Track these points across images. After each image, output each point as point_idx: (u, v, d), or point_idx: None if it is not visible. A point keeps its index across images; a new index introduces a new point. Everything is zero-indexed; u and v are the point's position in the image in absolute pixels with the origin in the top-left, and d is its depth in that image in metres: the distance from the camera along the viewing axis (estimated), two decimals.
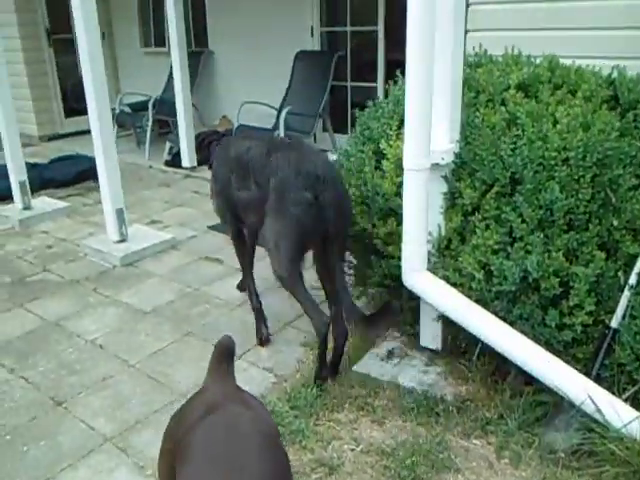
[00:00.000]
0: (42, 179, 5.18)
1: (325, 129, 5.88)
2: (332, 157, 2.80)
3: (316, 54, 5.93)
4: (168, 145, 6.57)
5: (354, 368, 2.50)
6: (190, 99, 5.72)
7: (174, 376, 2.57)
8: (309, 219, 2.27)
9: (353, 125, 2.89)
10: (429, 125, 2.07)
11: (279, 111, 5.86)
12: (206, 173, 5.85)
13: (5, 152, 4.48)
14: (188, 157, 5.78)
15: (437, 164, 2.15)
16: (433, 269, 2.27)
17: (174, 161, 6.11)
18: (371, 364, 2.51)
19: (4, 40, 4.67)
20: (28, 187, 4.56)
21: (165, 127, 6.96)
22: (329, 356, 2.44)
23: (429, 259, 2.27)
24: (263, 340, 2.75)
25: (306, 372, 2.52)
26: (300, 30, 6.00)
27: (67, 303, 3.23)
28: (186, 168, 5.86)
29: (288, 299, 2.51)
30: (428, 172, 2.10)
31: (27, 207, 4.56)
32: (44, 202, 4.76)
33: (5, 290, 3.41)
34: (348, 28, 5.82)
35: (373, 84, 5.69)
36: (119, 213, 3.77)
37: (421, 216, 2.14)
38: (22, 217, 4.45)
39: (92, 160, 5.34)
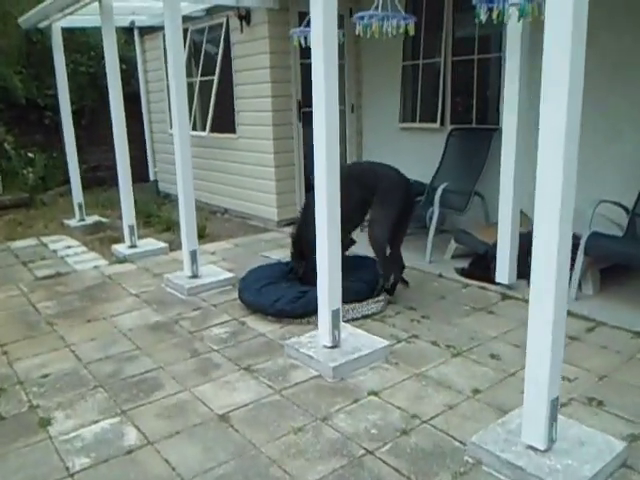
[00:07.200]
0: None
1: None
2: None
3: None
4: (454, 245, 5.13)
5: None
6: (518, 191, 4.19)
7: None
8: None
9: None
10: None
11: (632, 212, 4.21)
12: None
13: None
14: (508, 269, 4.24)
15: None
16: None
17: (474, 271, 4.61)
18: None
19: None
20: None
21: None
22: None
23: None
24: None
25: None
26: None
27: None
28: (500, 284, 4.32)
29: None
30: None
31: None
32: None
33: None
34: None
35: None
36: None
37: None
38: None
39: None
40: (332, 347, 3.22)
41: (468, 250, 5.01)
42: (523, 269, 4.36)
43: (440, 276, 4.69)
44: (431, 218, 5.06)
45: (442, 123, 6.04)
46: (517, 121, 3.98)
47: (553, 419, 2.22)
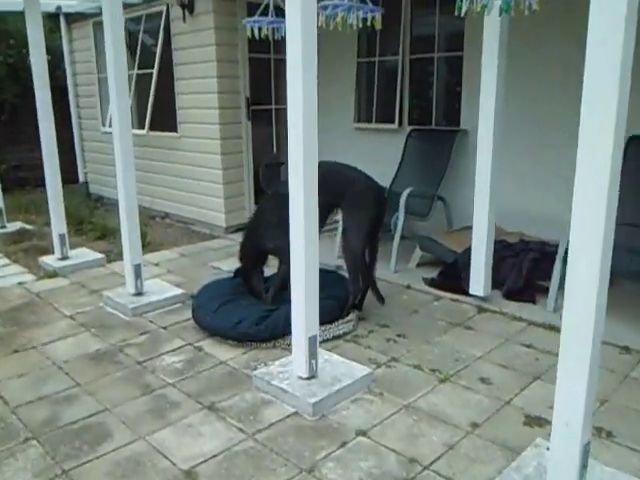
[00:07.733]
0: None
1: None
2: None
3: None
4: (419, 254, 4.86)
5: None
6: (494, 198, 3.94)
7: None
8: None
9: None
10: None
11: None
12: (510, 307, 4.08)
13: None
14: (483, 280, 3.99)
15: None
16: None
17: (444, 282, 4.35)
18: None
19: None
20: None
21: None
22: None
23: None
24: None
25: None
26: None
27: None
28: (474, 296, 4.07)
29: None
30: None
31: None
32: None
33: None
34: None
35: None
36: None
37: None
38: None
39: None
40: (309, 378, 2.83)
41: (434, 258, 4.76)
42: (496, 279, 4.15)
43: (408, 287, 4.40)
44: (395, 224, 4.77)
45: (400, 124, 5.77)
46: (494, 124, 3.73)
47: (584, 466, 1.94)
